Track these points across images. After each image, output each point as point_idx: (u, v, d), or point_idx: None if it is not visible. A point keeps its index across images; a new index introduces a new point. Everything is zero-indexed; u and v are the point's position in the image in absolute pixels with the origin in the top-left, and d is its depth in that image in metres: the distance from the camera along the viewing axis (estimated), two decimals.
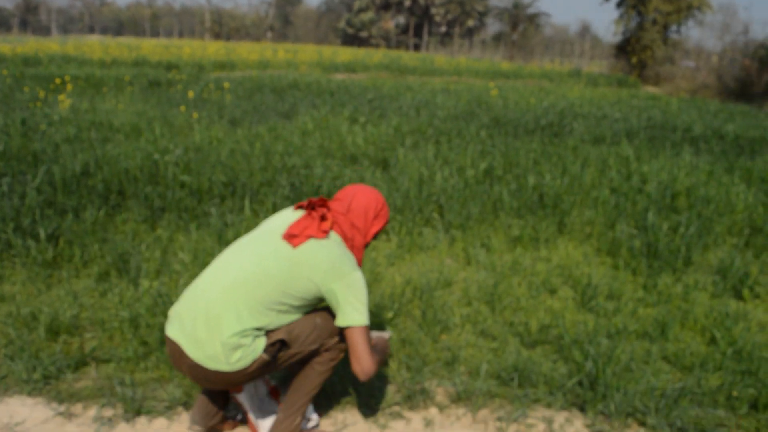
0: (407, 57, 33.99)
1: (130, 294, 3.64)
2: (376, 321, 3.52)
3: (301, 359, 2.38)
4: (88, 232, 4.52)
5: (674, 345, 3.50)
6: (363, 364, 2.24)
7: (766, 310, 4.09)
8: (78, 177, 5.40)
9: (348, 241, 2.43)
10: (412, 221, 5.19)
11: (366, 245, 2.54)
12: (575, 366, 3.16)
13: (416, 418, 2.79)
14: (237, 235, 4.54)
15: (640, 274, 4.50)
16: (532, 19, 51.87)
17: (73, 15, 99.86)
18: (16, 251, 4.17)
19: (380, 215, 2.54)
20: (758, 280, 4.37)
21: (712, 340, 3.56)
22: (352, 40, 58.75)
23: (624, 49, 30.90)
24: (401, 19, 61.36)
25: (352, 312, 2.26)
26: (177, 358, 2.26)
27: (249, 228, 4.72)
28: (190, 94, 11.72)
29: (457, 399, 2.92)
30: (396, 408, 2.85)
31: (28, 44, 26.92)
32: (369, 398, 2.89)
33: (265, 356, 2.24)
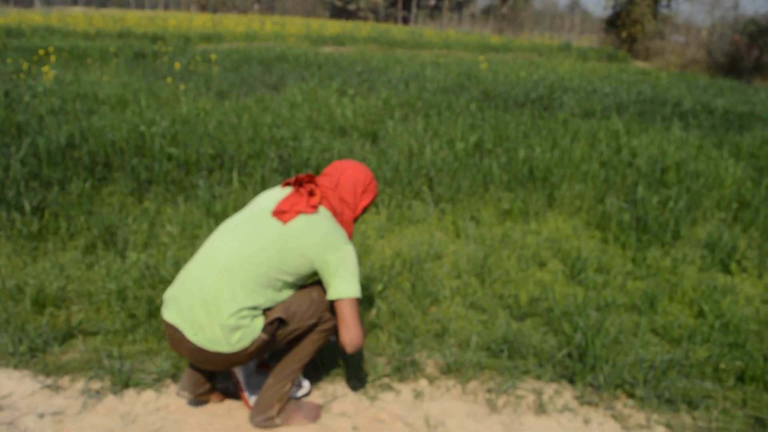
0: (396, 30, 33.67)
1: (117, 266, 3.61)
2: (366, 293, 3.51)
3: (299, 335, 2.38)
4: (74, 205, 4.46)
5: (662, 318, 3.51)
6: (352, 335, 2.24)
7: (754, 283, 4.12)
8: (63, 149, 5.32)
9: (337, 215, 2.44)
10: (401, 194, 5.17)
11: (355, 220, 2.55)
12: (564, 338, 3.17)
13: (406, 390, 2.79)
14: (225, 208, 4.51)
15: (629, 247, 4.51)
16: None
17: None
18: (0, 224, 4.11)
19: (369, 189, 2.56)
20: (746, 254, 4.39)
21: (700, 313, 3.58)
22: (340, 12, 58.13)
23: (614, 23, 30.75)
24: None
25: (344, 284, 2.26)
26: (177, 342, 2.26)
27: (237, 200, 4.69)
28: (177, 65, 11.57)
29: (447, 371, 2.92)
30: (386, 380, 2.85)
31: (10, 16, 26.38)
32: (359, 370, 2.89)
33: (264, 336, 2.24)
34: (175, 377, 2.75)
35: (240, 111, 7.54)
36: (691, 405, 2.74)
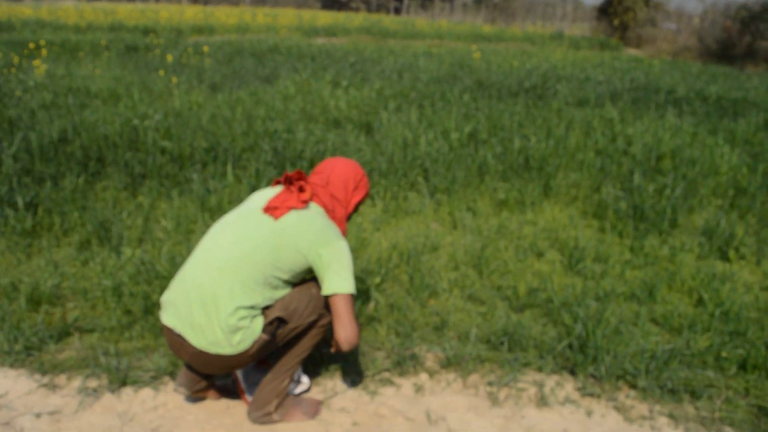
0: (388, 20, 33.54)
1: (112, 262, 3.57)
2: (363, 287, 3.49)
3: (300, 332, 2.36)
4: (67, 200, 4.42)
5: (662, 307, 3.50)
6: (347, 331, 2.22)
7: (752, 270, 4.11)
8: (56, 144, 5.27)
9: (329, 212, 2.43)
10: (397, 186, 5.13)
11: (348, 217, 2.54)
12: (564, 329, 3.15)
13: (406, 384, 2.77)
14: (220, 202, 4.47)
15: (626, 236, 4.49)
16: None
17: None
18: None
19: (360, 186, 2.55)
20: (743, 241, 4.39)
21: (700, 302, 3.57)
22: (331, 3, 57.86)
23: (606, 11, 30.69)
24: None
25: (338, 279, 2.24)
26: (177, 347, 2.24)
27: (232, 194, 4.65)
28: (169, 58, 11.49)
29: (447, 364, 2.90)
30: (386, 374, 2.83)
31: (0, 9, 26.23)
32: (358, 365, 2.86)
33: (265, 336, 2.22)
34: (172, 374, 2.73)
35: (233, 104, 7.49)
36: (694, 395, 2.72)
